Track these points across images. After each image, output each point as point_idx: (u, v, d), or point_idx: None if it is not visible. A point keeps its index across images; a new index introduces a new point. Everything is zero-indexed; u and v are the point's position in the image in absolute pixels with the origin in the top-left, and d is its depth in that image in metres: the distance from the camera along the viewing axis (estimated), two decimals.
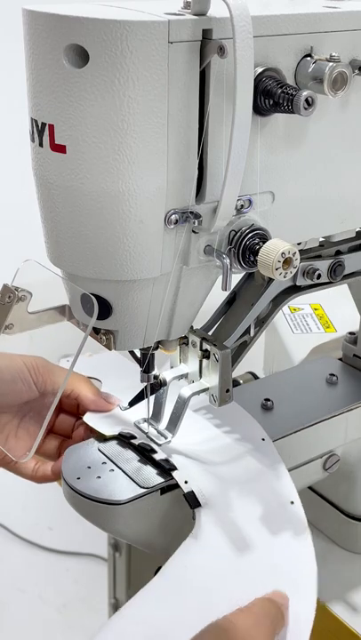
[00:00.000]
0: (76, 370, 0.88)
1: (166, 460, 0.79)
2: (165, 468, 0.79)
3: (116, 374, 0.94)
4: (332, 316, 1.35)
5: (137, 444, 0.82)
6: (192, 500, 0.76)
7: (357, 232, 0.88)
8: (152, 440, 0.82)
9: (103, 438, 0.84)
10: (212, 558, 0.73)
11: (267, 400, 0.94)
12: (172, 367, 0.83)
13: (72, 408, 0.89)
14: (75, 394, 0.86)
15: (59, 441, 0.89)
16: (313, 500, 1.06)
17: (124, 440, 0.83)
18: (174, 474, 0.78)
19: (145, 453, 0.81)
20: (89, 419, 0.86)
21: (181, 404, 0.81)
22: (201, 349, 0.79)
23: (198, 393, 0.80)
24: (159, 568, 0.73)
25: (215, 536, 0.74)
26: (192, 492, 0.77)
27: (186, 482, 0.77)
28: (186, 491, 0.77)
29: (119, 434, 0.84)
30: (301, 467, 0.91)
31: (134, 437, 0.83)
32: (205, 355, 0.78)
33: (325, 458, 0.93)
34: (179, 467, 0.79)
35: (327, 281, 0.86)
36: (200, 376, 0.80)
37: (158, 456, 0.80)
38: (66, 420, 0.90)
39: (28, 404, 0.87)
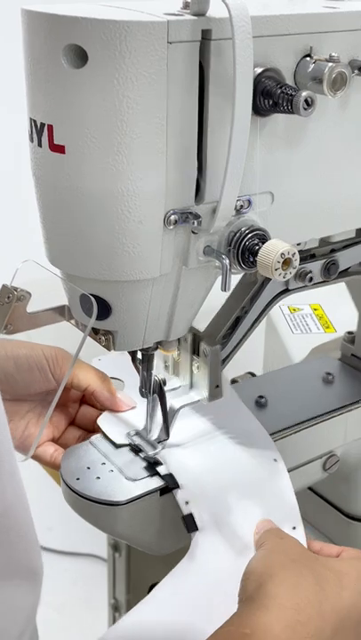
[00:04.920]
0: (102, 369, 0.88)
1: (170, 476, 0.78)
2: (169, 488, 0.77)
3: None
4: (332, 317, 1.35)
5: (143, 456, 0.81)
6: (190, 524, 0.75)
7: (357, 230, 0.87)
8: (142, 450, 0.82)
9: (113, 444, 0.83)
10: (203, 584, 0.72)
11: (260, 397, 0.94)
12: (165, 365, 0.84)
13: (94, 401, 0.89)
14: (91, 389, 0.86)
15: (79, 433, 0.89)
16: (313, 500, 1.06)
17: (134, 450, 0.82)
18: (176, 493, 0.77)
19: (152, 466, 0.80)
20: (103, 423, 0.85)
21: (171, 416, 0.81)
22: (192, 345, 0.79)
23: (189, 405, 0.81)
24: (153, 585, 0.72)
25: (208, 563, 0.73)
26: (191, 514, 0.76)
27: (187, 502, 0.76)
28: (185, 513, 0.76)
29: (129, 444, 0.83)
30: (301, 467, 0.91)
31: (141, 450, 0.82)
32: (196, 350, 0.79)
33: (325, 458, 0.93)
34: (183, 484, 0.77)
35: (321, 280, 0.85)
36: (190, 374, 0.80)
37: (163, 471, 0.79)
38: (87, 413, 0.90)
39: (48, 394, 0.87)
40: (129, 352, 0.80)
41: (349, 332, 1.06)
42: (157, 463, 0.80)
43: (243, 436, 0.85)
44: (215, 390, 0.78)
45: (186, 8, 0.64)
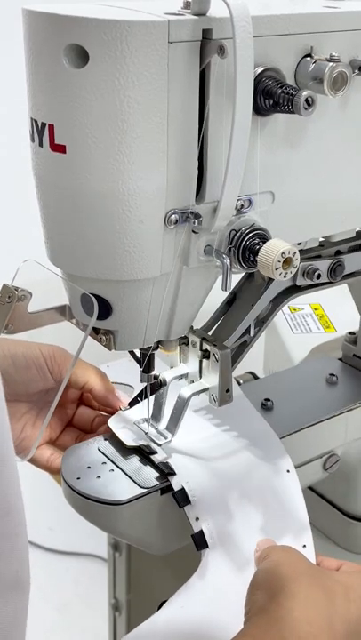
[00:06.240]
0: (111, 375, 0.88)
1: (182, 492, 0.76)
2: (181, 502, 0.76)
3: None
4: (333, 316, 1.35)
5: (157, 462, 0.80)
6: (200, 541, 0.75)
7: (357, 232, 0.88)
8: (152, 440, 0.82)
9: (122, 445, 0.82)
10: (213, 602, 0.72)
11: (267, 400, 0.94)
12: (171, 367, 0.83)
13: (91, 402, 0.89)
14: (89, 386, 0.86)
15: (77, 434, 0.89)
16: (313, 500, 1.06)
17: (145, 454, 0.81)
18: (186, 509, 0.76)
19: (163, 472, 0.79)
20: (113, 424, 0.84)
21: (181, 405, 0.81)
22: (201, 349, 0.79)
23: (198, 393, 0.80)
24: (163, 602, 0.72)
25: (218, 581, 0.73)
26: (201, 531, 0.75)
27: (197, 519, 0.75)
28: (195, 530, 0.75)
29: (140, 446, 0.82)
30: (301, 467, 0.91)
31: (155, 453, 0.81)
32: (205, 355, 0.78)
33: (325, 458, 0.93)
34: (194, 499, 0.76)
35: (327, 281, 0.86)
36: (200, 376, 0.80)
37: (176, 484, 0.77)
38: (85, 414, 0.89)
39: (47, 394, 0.86)
40: (129, 352, 0.80)
41: (351, 333, 1.06)
42: (170, 473, 0.78)
43: (255, 443, 0.84)
44: (226, 394, 0.78)
45: (186, 8, 0.64)
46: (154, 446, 0.81)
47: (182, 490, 0.77)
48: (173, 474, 0.78)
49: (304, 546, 0.77)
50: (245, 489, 0.80)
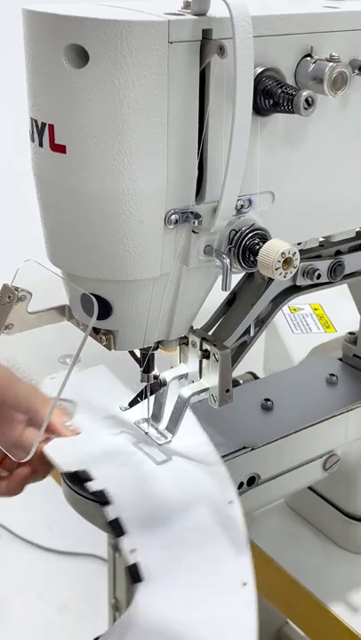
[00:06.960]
0: (54, 387, 0.82)
1: (116, 521, 0.73)
2: (116, 532, 0.72)
3: (100, 393, 0.89)
4: (332, 316, 1.36)
5: (91, 490, 0.75)
6: (134, 575, 0.70)
7: (357, 232, 0.88)
8: (152, 440, 0.82)
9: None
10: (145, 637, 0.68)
11: (267, 400, 0.94)
12: (172, 367, 0.83)
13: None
14: (32, 410, 0.82)
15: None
16: (313, 500, 1.06)
17: (81, 480, 0.77)
18: (121, 540, 0.72)
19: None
20: (49, 450, 0.80)
21: (181, 405, 0.81)
22: (201, 349, 0.79)
23: (198, 393, 0.80)
24: (97, 638, 0.69)
25: (151, 618, 0.69)
26: (135, 564, 0.70)
27: (133, 551, 0.71)
28: (129, 563, 0.71)
29: (76, 472, 0.77)
30: (301, 467, 0.91)
31: (90, 480, 0.76)
32: (205, 355, 0.78)
33: (325, 458, 0.93)
34: (129, 530, 0.72)
35: (327, 281, 0.86)
36: (200, 376, 0.80)
37: (111, 513, 0.73)
38: (31, 436, 0.83)
39: None
40: (129, 352, 0.80)
41: (351, 333, 1.06)
42: (105, 502, 0.74)
43: (200, 470, 0.80)
44: (226, 394, 0.78)
45: (186, 8, 0.64)
46: (90, 472, 0.77)
47: (117, 520, 0.73)
48: (108, 503, 0.74)
49: (244, 584, 0.72)
50: (186, 522, 0.75)
